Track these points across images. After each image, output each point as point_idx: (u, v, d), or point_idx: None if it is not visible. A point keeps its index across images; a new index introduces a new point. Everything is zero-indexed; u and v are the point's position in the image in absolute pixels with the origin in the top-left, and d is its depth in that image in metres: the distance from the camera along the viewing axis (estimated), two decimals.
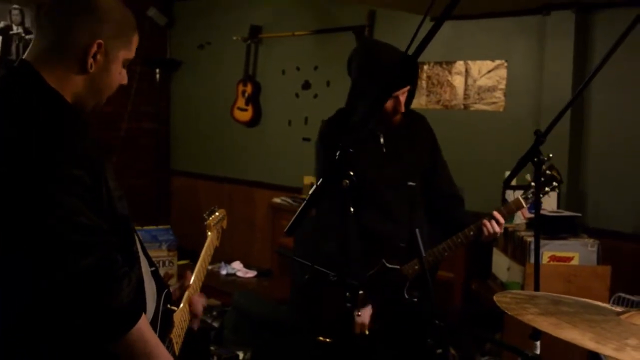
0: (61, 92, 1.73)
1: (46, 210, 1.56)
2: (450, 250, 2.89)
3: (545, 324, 1.51)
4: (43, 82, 1.71)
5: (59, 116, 1.69)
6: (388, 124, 2.82)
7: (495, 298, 1.66)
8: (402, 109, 2.88)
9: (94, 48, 1.74)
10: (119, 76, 1.84)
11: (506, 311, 1.60)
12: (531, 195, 2.85)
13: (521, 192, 2.95)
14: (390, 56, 2.87)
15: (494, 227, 2.87)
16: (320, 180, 1.89)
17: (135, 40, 1.86)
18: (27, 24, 6.46)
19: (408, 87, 2.92)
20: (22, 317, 1.63)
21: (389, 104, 2.87)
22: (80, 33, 1.74)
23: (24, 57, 1.77)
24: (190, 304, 2.15)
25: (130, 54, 1.84)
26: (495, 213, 2.89)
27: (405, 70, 2.92)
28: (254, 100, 6.54)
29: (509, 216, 3.00)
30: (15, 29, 6.42)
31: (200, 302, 2.19)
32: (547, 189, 2.82)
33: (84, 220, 1.59)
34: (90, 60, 1.75)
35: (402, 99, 2.89)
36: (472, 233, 2.87)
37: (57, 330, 1.61)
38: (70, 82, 1.75)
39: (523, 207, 2.91)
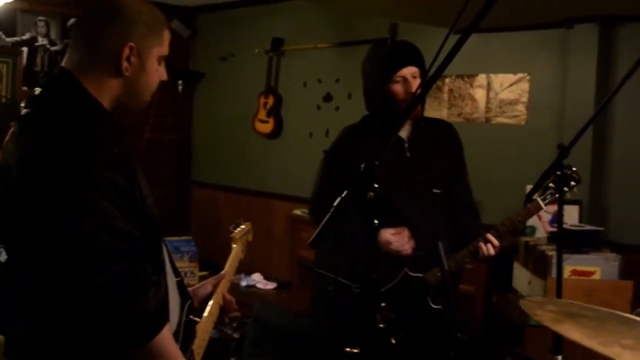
0: (101, 97, 1.77)
1: (81, 214, 1.57)
2: (471, 257, 2.88)
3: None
4: (82, 89, 1.74)
5: (96, 121, 1.72)
6: (407, 115, 2.73)
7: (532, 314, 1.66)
8: (414, 87, 2.84)
9: (127, 51, 1.77)
10: (157, 73, 1.87)
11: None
12: (549, 196, 2.82)
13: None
14: (382, 48, 2.88)
15: (488, 250, 2.85)
16: (345, 192, 1.90)
17: (166, 35, 1.88)
18: (53, 35, 6.53)
19: (415, 69, 2.89)
20: (50, 320, 1.65)
21: (398, 88, 2.86)
22: (111, 38, 1.77)
23: (62, 64, 1.81)
24: (224, 300, 2.18)
25: (164, 50, 1.87)
26: (489, 236, 2.86)
27: (398, 51, 2.93)
28: (275, 112, 6.57)
29: (526, 220, 2.97)
30: (41, 41, 6.50)
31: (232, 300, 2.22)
32: (566, 189, 2.78)
33: (118, 225, 1.61)
34: (125, 64, 1.78)
35: (413, 82, 2.86)
36: (467, 259, 2.88)
37: (84, 334, 1.63)
38: (108, 87, 1.79)
39: (542, 208, 2.88)
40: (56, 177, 1.59)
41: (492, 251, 2.85)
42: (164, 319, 1.71)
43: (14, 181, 1.64)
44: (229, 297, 2.23)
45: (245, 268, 6.33)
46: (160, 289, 1.71)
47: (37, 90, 1.77)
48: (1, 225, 1.70)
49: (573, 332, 1.58)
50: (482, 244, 2.84)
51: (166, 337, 1.71)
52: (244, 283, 6.26)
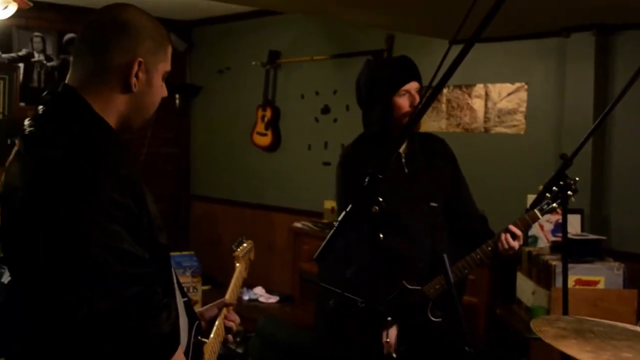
0: (106, 115, 1.73)
1: (89, 237, 1.54)
2: (470, 267, 2.86)
3: None
4: (87, 107, 1.71)
5: (103, 142, 1.68)
6: (409, 128, 2.75)
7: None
8: (416, 103, 2.86)
9: (135, 67, 1.74)
10: (161, 89, 1.84)
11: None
12: (546, 206, 2.82)
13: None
14: (387, 61, 2.89)
15: (509, 241, 2.85)
16: (349, 206, 1.89)
17: (169, 51, 1.85)
18: (49, 51, 6.54)
19: (417, 85, 2.92)
20: (61, 345, 1.61)
21: (403, 101, 2.89)
22: (119, 54, 1.73)
23: (66, 81, 1.77)
24: (226, 318, 2.16)
25: (168, 65, 1.84)
26: (512, 227, 2.85)
27: (404, 66, 2.95)
28: (273, 125, 6.57)
29: (525, 229, 2.97)
30: (37, 57, 6.51)
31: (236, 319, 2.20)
32: (557, 203, 2.78)
33: (127, 248, 1.57)
34: (133, 80, 1.74)
35: (415, 94, 2.90)
36: (490, 248, 2.85)
37: (97, 358, 1.59)
38: (115, 103, 1.75)
39: (538, 218, 2.87)
40: (64, 201, 1.55)
41: (513, 242, 2.83)
42: (177, 341, 1.69)
43: (19, 203, 1.59)
44: (234, 317, 2.22)
45: (247, 281, 6.29)
46: (171, 313, 1.68)
47: (41, 108, 1.74)
48: (6, 247, 1.67)
49: (573, 348, 1.58)
50: (503, 234, 2.82)
51: (179, 359, 1.69)
52: (246, 297, 6.24)
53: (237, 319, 2.22)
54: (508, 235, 2.83)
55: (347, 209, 1.88)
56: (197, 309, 2.18)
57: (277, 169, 6.64)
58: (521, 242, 2.88)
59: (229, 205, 7.08)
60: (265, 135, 6.60)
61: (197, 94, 7.40)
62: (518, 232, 2.85)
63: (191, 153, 7.59)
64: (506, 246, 2.83)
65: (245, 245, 2.55)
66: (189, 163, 7.58)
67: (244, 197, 6.94)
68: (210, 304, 2.22)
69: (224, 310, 2.19)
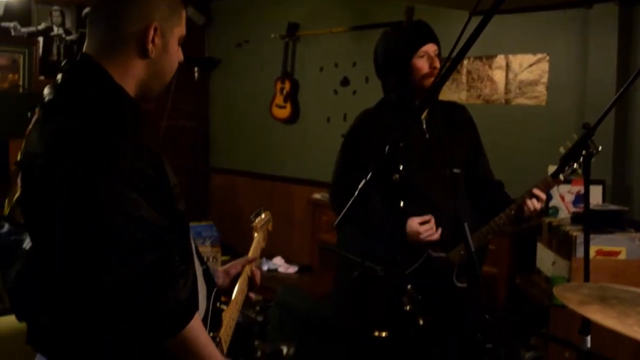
0: (124, 82, 1.74)
1: (107, 204, 1.55)
2: (494, 232, 2.87)
3: None
4: (105, 75, 1.72)
5: (122, 109, 1.69)
6: (434, 93, 2.72)
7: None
8: (438, 64, 2.87)
9: (151, 33, 1.75)
10: (178, 54, 1.85)
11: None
12: (567, 169, 2.80)
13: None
14: (403, 27, 2.89)
15: (534, 204, 2.85)
16: (370, 174, 1.89)
17: (184, 15, 1.86)
18: (68, 24, 6.54)
19: (436, 47, 2.92)
20: (79, 311, 1.62)
21: (422, 63, 2.88)
22: (135, 21, 1.74)
23: (84, 50, 1.78)
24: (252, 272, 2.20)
25: (183, 30, 1.85)
26: (535, 190, 2.86)
27: (421, 28, 2.95)
28: (292, 97, 6.55)
29: (546, 192, 2.97)
30: (56, 30, 6.51)
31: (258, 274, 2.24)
32: (578, 164, 2.76)
33: (145, 216, 1.58)
34: (150, 46, 1.75)
35: (434, 57, 2.90)
36: (513, 212, 2.86)
37: (111, 325, 1.61)
38: (132, 70, 1.76)
39: (560, 182, 2.87)
40: (83, 168, 1.56)
41: (537, 205, 2.84)
42: (194, 307, 1.70)
43: (39, 171, 1.61)
44: (257, 271, 2.24)
45: (266, 252, 6.33)
46: (188, 279, 1.69)
47: (60, 77, 1.74)
48: (27, 214, 1.68)
49: (598, 314, 1.57)
50: (528, 200, 2.82)
51: (197, 325, 1.70)
52: (265, 267, 6.28)
53: (259, 273, 2.25)
54: (534, 200, 2.83)
55: (368, 177, 1.88)
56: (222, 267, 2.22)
57: (296, 141, 6.63)
58: (543, 204, 2.89)
59: (248, 178, 7.10)
60: (284, 107, 6.59)
61: (216, 67, 7.39)
62: (542, 194, 2.85)
63: (210, 126, 7.59)
64: (532, 209, 2.84)
65: (263, 216, 2.57)
66: (208, 136, 7.59)
67: (263, 169, 6.96)
68: (235, 261, 2.24)
69: (247, 268, 2.21)
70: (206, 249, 5.14)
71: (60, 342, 1.70)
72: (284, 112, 6.60)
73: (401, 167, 1.84)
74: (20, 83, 6.30)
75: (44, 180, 1.60)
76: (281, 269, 6.32)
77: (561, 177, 2.83)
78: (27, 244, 1.69)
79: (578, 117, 4.52)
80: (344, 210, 1.95)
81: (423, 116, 2.94)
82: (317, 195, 6.08)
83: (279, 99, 6.61)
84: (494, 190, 3.07)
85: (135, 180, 1.59)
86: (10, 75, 6.28)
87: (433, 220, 2.82)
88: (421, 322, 2.28)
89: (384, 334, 2.65)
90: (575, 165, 2.76)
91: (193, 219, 5.79)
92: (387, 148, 1.84)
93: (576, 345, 2.06)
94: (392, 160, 1.84)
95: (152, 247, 1.58)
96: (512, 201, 2.90)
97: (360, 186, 1.90)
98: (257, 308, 4.45)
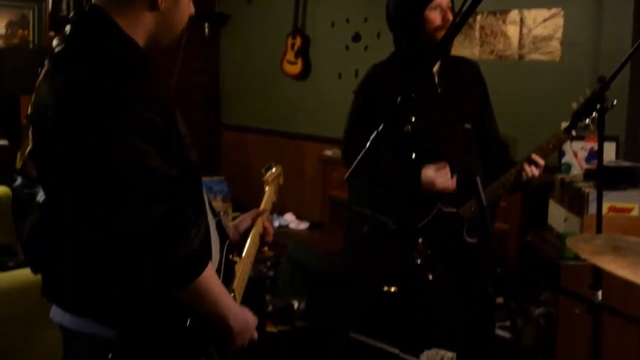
0: (134, 34, 1.72)
1: (118, 155, 1.54)
2: (489, 198, 2.86)
3: None
4: (114, 26, 1.70)
5: (131, 60, 1.68)
6: (446, 45, 2.68)
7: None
8: (451, 17, 2.82)
9: None
10: (188, 6, 1.83)
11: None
12: (580, 124, 2.77)
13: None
14: None
15: (532, 170, 2.83)
16: (382, 126, 1.87)
17: None
18: None
19: (448, 0, 2.87)
20: (91, 262, 1.63)
21: (435, 15, 2.83)
22: None
23: (92, 2, 1.76)
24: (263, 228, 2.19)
25: None
26: (534, 156, 2.84)
27: None
28: (303, 53, 6.50)
29: (556, 148, 2.94)
30: None
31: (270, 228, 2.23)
32: (589, 119, 2.73)
33: (156, 166, 1.58)
34: None
35: (447, 10, 2.85)
36: (512, 177, 2.85)
37: (124, 276, 1.61)
38: (142, 22, 1.74)
39: (571, 137, 2.84)
40: (93, 119, 1.55)
41: (536, 172, 2.83)
42: (207, 257, 1.70)
43: (50, 121, 1.60)
44: (268, 225, 2.23)
45: (277, 208, 6.36)
46: (201, 229, 1.69)
47: (69, 28, 1.72)
48: (39, 166, 1.68)
49: (611, 264, 1.56)
50: (526, 165, 2.82)
51: (210, 275, 1.70)
52: (276, 223, 6.31)
53: (271, 228, 2.24)
54: (532, 166, 2.82)
55: (379, 129, 1.86)
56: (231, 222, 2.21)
57: (307, 98, 6.60)
58: (542, 170, 2.87)
59: (259, 134, 7.08)
60: (295, 63, 6.54)
61: (226, 23, 7.33)
62: (540, 160, 2.83)
63: (221, 82, 7.56)
64: (530, 175, 2.83)
65: (274, 170, 2.56)
66: (219, 92, 7.56)
67: (274, 126, 6.93)
68: (244, 215, 2.23)
69: (259, 221, 2.20)
70: (217, 204, 5.16)
71: (72, 294, 1.71)
72: (295, 68, 6.55)
73: (413, 119, 1.81)
74: (30, 39, 6.28)
75: (54, 132, 1.60)
76: (292, 225, 6.35)
77: (573, 132, 2.80)
78: (40, 197, 1.70)
79: (592, 73, 4.46)
80: (355, 163, 1.93)
81: (435, 70, 2.91)
82: (328, 152, 6.07)
83: (290, 55, 6.56)
84: (498, 152, 3.05)
85: (145, 131, 1.58)
86: (20, 31, 6.26)
87: (448, 168, 2.80)
88: (431, 277, 2.29)
89: (393, 289, 2.66)
90: (587, 121, 2.73)
91: (204, 175, 5.79)
92: (399, 99, 1.81)
93: (588, 298, 2.05)
94: (404, 110, 1.81)
95: (162, 198, 1.57)
96: (514, 165, 2.88)
97: (371, 137, 1.88)
98: (268, 263, 4.47)
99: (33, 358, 2.69)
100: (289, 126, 6.80)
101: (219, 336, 1.78)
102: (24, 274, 2.72)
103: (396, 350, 1.14)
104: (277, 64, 6.67)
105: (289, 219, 6.43)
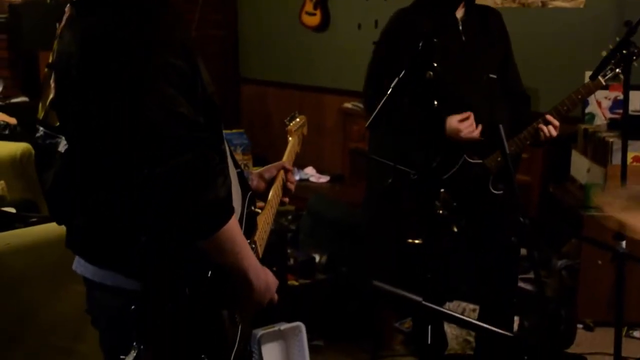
0: None
1: (145, 101, 1.51)
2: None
3: None
4: None
5: (153, 5, 1.63)
6: None
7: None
8: None
9: None
10: None
11: None
12: (609, 72, 2.71)
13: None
14: None
15: (550, 131, 2.80)
16: (403, 72, 1.84)
17: None
18: None
19: None
20: (117, 209, 1.61)
21: None
22: None
23: None
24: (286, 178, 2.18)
25: None
26: (548, 116, 2.80)
27: None
28: (322, 4, 6.41)
29: (586, 97, 2.89)
30: None
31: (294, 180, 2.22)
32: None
33: (183, 112, 1.55)
34: None
35: None
36: (529, 135, 2.83)
37: (150, 226, 1.59)
38: None
39: (602, 84, 2.77)
40: (120, 64, 1.52)
41: (553, 132, 2.80)
42: (232, 207, 1.69)
43: (74, 69, 1.57)
44: (291, 175, 2.22)
45: (298, 162, 6.32)
46: (227, 178, 1.67)
47: None
48: (62, 115, 1.66)
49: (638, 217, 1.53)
50: (542, 126, 2.78)
51: (234, 225, 1.67)
52: (297, 177, 6.28)
53: (294, 178, 2.23)
54: (550, 126, 2.79)
55: (401, 75, 1.83)
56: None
57: (327, 50, 6.52)
58: (558, 130, 2.84)
59: (278, 87, 7.03)
60: (314, 15, 6.46)
61: None
62: (554, 121, 2.79)
63: (239, 35, 7.49)
64: (547, 135, 2.80)
65: (297, 120, 2.52)
66: (237, 45, 7.50)
67: (293, 79, 6.87)
68: (270, 165, 2.21)
69: (282, 173, 2.18)
70: (237, 157, 5.13)
71: (95, 245, 1.70)
72: (314, 20, 6.47)
73: (435, 64, 1.78)
74: None
75: (80, 79, 1.57)
76: (313, 179, 6.33)
77: (601, 79, 2.74)
78: (62, 146, 1.68)
79: (618, 20, 4.37)
80: (376, 110, 1.91)
81: (460, 17, 2.85)
82: (348, 105, 6.02)
83: (309, 6, 6.47)
84: (519, 105, 3.00)
85: (172, 76, 1.55)
86: None
87: (473, 117, 2.76)
88: (455, 229, 2.27)
89: (417, 241, 2.64)
90: (617, 70, 2.66)
91: (224, 127, 5.80)
92: (420, 44, 1.77)
93: (612, 247, 2.03)
94: (426, 55, 1.78)
95: (191, 145, 1.54)
96: (533, 120, 2.84)
97: (393, 84, 1.85)
98: (290, 217, 4.46)
99: (58, 311, 2.72)
100: (308, 79, 6.73)
101: (239, 291, 1.77)
102: (47, 229, 2.73)
103: (419, 299, 1.13)
104: (295, 15, 6.59)
105: (310, 173, 6.41)
